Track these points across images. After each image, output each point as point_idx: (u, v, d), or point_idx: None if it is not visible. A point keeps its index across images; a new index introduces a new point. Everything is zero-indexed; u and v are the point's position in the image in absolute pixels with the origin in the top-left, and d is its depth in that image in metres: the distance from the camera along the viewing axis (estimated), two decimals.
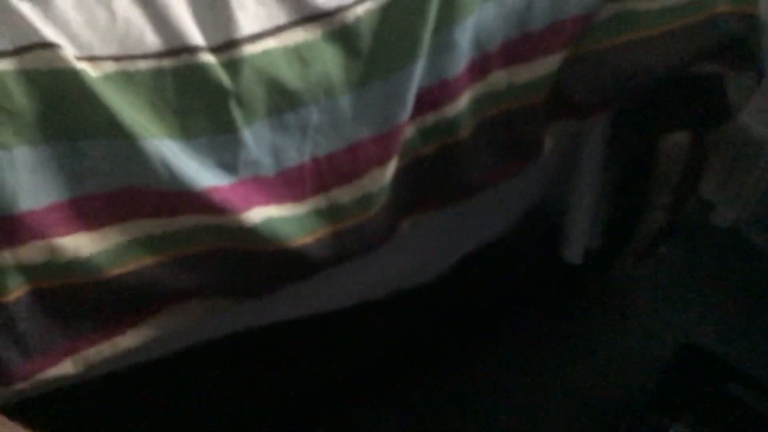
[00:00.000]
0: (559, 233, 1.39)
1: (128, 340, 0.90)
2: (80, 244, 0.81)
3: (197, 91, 0.81)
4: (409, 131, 0.94)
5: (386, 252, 1.03)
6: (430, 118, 0.95)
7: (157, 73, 0.80)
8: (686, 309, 1.59)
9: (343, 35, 0.87)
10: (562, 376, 1.46)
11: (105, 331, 0.89)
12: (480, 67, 0.96)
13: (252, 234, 0.87)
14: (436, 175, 1.00)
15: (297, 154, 0.89)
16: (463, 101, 0.96)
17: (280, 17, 0.84)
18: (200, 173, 0.83)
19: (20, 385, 0.85)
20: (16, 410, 0.80)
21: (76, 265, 0.82)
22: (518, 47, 0.97)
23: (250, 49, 0.82)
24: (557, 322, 1.53)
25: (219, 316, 0.98)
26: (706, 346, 1.45)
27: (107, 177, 0.81)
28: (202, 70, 0.81)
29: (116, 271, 0.84)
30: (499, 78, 0.98)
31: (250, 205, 0.86)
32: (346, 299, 1.17)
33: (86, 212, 0.81)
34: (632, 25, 1.00)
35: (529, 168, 1.09)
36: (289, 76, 0.85)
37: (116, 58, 0.79)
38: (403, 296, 1.22)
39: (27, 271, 0.80)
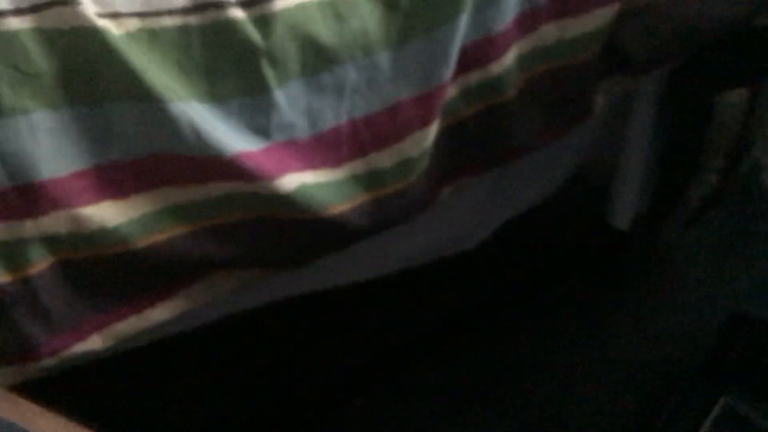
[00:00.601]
0: (606, 197, 1.33)
1: (159, 313, 0.87)
2: (106, 213, 0.77)
3: (226, 49, 0.76)
4: (451, 91, 0.89)
5: (426, 219, 0.98)
6: (475, 76, 0.89)
7: (184, 31, 0.75)
8: (736, 277, 1.53)
9: None
10: (607, 346, 1.42)
11: (135, 304, 0.85)
12: (528, 20, 0.90)
13: (286, 201, 0.82)
14: (480, 137, 0.94)
15: (333, 116, 0.83)
16: (509, 58, 0.90)
17: None
18: (231, 137, 0.78)
19: (47, 362, 0.82)
20: (39, 387, 0.77)
21: (102, 236, 0.77)
22: None
23: (282, 3, 0.77)
24: (602, 290, 1.49)
25: (255, 286, 0.94)
26: (757, 316, 1.39)
27: (133, 142, 0.76)
28: (231, 26, 0.75)
29: (144, 242, 0.80)
30: (548, 32, 0.92)
31: (284, 170, 0.82)
32: (385, 268, 1.12)
33: (111, 180, 0.77)
34: None
35: (576, 128, 1.03)
36: (325, 32, 0.79)
37: (140, 15, 0.74)
38: (445, 264, 1.18)
39: (50, 242, 0.76)
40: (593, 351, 1.42)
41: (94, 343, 0.84)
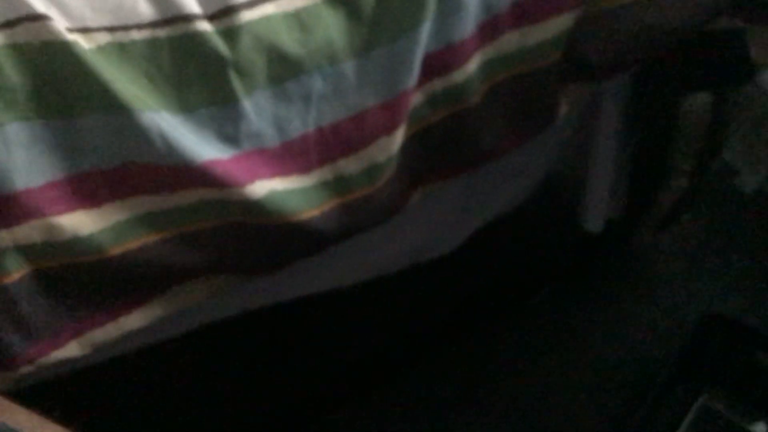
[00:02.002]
0: (578, 202, 1.35)
1: (135, 320, 0.88)
2: (79, 222, 0.79)
3: (194, 61, 0.78)
4: (416, 98, 0.91)
5: (398, 225, 1.01)
6: (439, 84, 0.92)
7: (153, 44, 0.77)
8: (711, 278, 1.55)
9: None
10: (584, 349, 1.44)
11: (111, 311, 0.87)
12: (489, 29, 0.92)
13: (256, 208, 0.85)
14: (446, 143, 0.97)
15: (301, 124, 0.86)
16: (472, 65, 0.92)
17: None
18: (200, 146, 0.80)
19: (25, 369, 0.83)
20: (24, 396, 0.78)
21: (77, 244, 0.79)
22: (529, 7, 0.93)
23: (247, 16, 0.79)
24: (578, 294, 1.51)
25: (228, 295, 0.96)
26: (731, 316, 1.41)
27: (104, 152, 0.78)
28: (198, 39, 0.78)
29: (118, 249, 0.82)
30: (509, 40, 0.94)
31: (254, 178, 0.84)
32: (360, 275, 1.14)
33: (84, 189, 0.79)
34: None
35: (544, 134, 1.05)
36: (290, 42, 0.81)
37: (110, 29, 0.76)
38: (419, 272, 1.20)
39: (26, 251, 0.78)
40: (571, 354, 1.43)
41: (71, 350, 0.85)
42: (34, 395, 0.81)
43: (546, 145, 1.15)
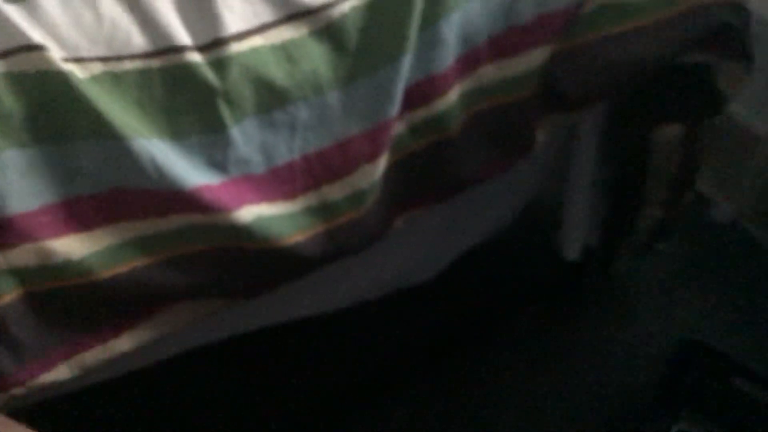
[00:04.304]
0: (556, 229, 1.38)
1: (124, 342, 0.90)
2: (72, 246, 0.81)
3: (185, 90, 0.82)
4: (398, 127, 0.95)
5: (381, 250, 1.03)
6: (420, 113, 0.95)
7: (145, 74, 0.80)
8: (688, 305, 1.58)
9: (329, 32, 0.87)
10: (563, 374, 1.45)
11: (100, 334, 0.89)
12: (468, 61, 0.96)
13: (243, 233, 0.87)
14: (427, 171, 1.00)
15: (287, 151, 0.89)
16: (452, 96, 0.96)
17: (266, 15, 0.85)
18: (190, 172, 0.83)
19: (16, 391, 0.85)
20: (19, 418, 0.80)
21: (69, 268, 0.82)
22: (506, 41, 0.97)
23: (236, 48, 0.83)
24: (557, 320, 1.53)
25: (215, 319, 0.98)
26: (708, 342, 1.44)
27: (97, 178, 0.81)
28: (189, 69, 0.81)
29: (109, 272, 0.84)
30: (487, 72, 0.98)
31: (241, 203, 0.87)
32: (344, 300, 1.16)
33: (77, 214, 0.81)
34: (619, 17, 1.00)
35: (522, 163, 1.09)
36: (277, 73, 0.85)
37: (103, 59, 0.79)
38: (401, 297, 1.22)
39: (19, 274, 0.80)
40: (551, 380, 1.45)
41: (61, 372, 0.87)
42: (28, 419, 0.83)
43: (525, 173, 1.18)
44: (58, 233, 0.81)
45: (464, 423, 1.40)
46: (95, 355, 0.89)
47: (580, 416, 1.41)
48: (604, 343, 1.50)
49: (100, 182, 0.81)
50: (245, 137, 0.85)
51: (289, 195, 0.90)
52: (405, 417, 1.37)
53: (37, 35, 0.76)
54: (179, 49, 0.81)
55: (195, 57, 0.81)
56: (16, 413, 0.83)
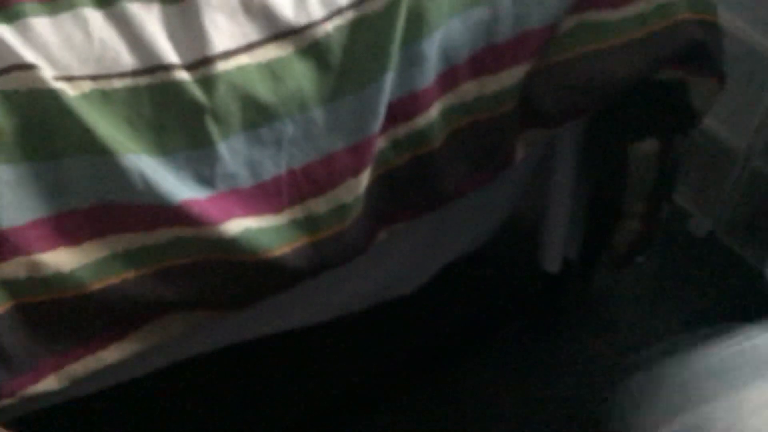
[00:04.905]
0: (537, 242, 1.41)
1: (112, 354, 0.92)
2: (61, 259, 0.83)
3: (173, 107, 0.84)
4: (381, 142, 0.97)
5: (365, 263, 1.05)
6: (402, 129, 0.98)
7: (134, 91, 0.83)
8: (667, 317, 1.60)
9: (314, 51, 0.90)
10: (544, 387, 1.47)
11: (89, 345, 0.90)
12: (449, 78, 0.99)
13: (231, 245, 0.89)
14: (409, 185, 1.02)
15: (273, 166, 0.91)
16: (433, 112, 0.99)
17: (253, 35, 0.87)
18: (178, 187, 0.85)
19: (5, 402, 0.86)
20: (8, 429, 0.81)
21: (58, 280, 0.83)
22: (485, 59, 1.00)
23: (223, 66, 0.85)
24: (538, 332, 1.55)
25: (204, 331, 1.00)
26: None
27: (87, 193, 0.83)
28: (177, 87, 0.83)
29: (97, 285, 0.86)
30: (468, 89, 1.01)
31: (228, 217, 0.89)
32: (328, 312, 1.18)
33: (67, 228, 0.83)
34: (595, 35, 1.03)
35: (502, 177, 1.11)
36: (263, 91, 0.87)
37: (93, 78, 0.81)
38: (384, 310, 1.24)
39: (10, 286, 0.82)
40: (532, 392, 1.46)
41: (50, 383, 0.88)
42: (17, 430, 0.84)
43: (505, 187, 1.21)
44: (48, 246, 0.82)
45: None
46: (85, 366, 0.90)
47: (561, 429, 1.43)
48: (583, 356, 1.52)
49: (90, 197, 0.83)
50: (232, 153, 0.88)
51: (275, 208, 0.92)
52: (388, 429, 1.39)
53: (29, 55, 0.78)
54: (167, 68, 0.83)
55: (183, 75, 0.83)
56: (5, 424, 0.85)
